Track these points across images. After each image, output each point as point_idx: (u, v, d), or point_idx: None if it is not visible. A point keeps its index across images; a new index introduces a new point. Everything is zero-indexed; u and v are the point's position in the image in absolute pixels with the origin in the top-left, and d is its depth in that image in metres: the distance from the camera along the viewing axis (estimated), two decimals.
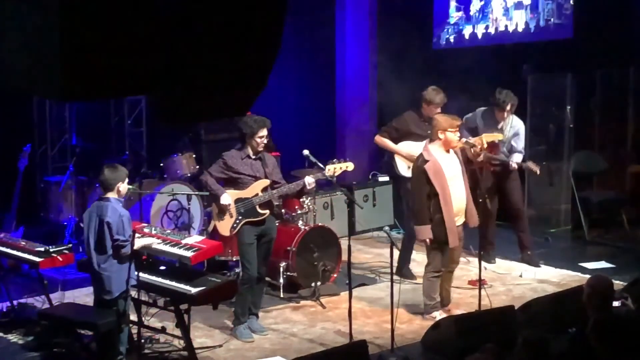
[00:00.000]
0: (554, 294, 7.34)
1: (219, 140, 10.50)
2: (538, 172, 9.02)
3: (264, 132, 7.18)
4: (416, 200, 7.50)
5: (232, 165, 7.25)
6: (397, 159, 8.71)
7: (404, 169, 8.62)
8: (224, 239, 8.13)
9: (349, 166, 7.76)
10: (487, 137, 8.59)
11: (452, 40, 11.47)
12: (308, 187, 7.57)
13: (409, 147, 8.57)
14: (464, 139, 7.77)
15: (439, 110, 8.40)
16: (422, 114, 8.56)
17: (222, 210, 7.23)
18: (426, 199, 7.38)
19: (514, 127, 9.00)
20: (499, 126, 8.94)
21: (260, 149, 7.27)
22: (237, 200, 7.23)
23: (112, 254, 6.22)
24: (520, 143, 9.03)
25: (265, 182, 7.30)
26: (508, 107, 8.86)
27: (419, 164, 7.47)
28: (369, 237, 10.47)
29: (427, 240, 7.44)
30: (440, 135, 7.45)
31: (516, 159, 8.93)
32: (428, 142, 7.62)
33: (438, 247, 7.53)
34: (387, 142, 8.71)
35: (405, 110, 8.79)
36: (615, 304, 7.07)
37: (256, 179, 7.28)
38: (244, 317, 7.29)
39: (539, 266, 9.15)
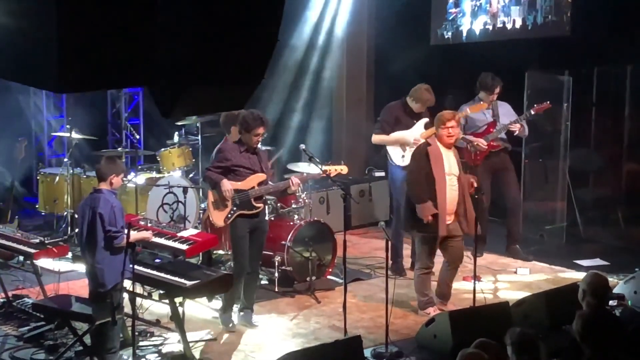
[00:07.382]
0: (548, 291, 7.34)
1: (215, 134, 10.49)
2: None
3: (260, 130, 7.20)
4: (415, 178, 7.49)
5: (230, 157, 7.27)
6: (390, 149, 8.76)
7: (398, 158, 8.67)
8: (220, 232, 8.14)
9: (344, 169, 7.91)
10: (472, 110, 8.91)
11: (450, 36, 11.46)
12: (293, 188, 7.58)
13: (401, 134, 8.67)
14: (461, 135, 7.77)
15: (424, 109, 8.54)
16: (407, 106, 8.61)
17: (219, 200, 7.24)
18: (424, 179, 7.38)
19: (506, 110, 9.24)
20: (489, 111, 9.14)
21: (255, 145, 7.29)
22: (234, 191, 7.23)
23: (104, 246, 6.21)
24: (512, 117, 9.18)
25: (262, 176, 7.31)
26: (497, 90, 9.08)
27: (422, 146, 7.61)
28: (364, 232, 10.48)
29: (422, 228, 7.43)
30: (438, 130, 7.50)
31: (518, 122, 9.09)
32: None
33: (426, 244, 7.54)
34: (382, 137, 8.75)
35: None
36: (612, 303, 7.10)
37: (254, 172, 7.29)
38: (230, 307, 7.33)
39: (530, 259, 9.21)
